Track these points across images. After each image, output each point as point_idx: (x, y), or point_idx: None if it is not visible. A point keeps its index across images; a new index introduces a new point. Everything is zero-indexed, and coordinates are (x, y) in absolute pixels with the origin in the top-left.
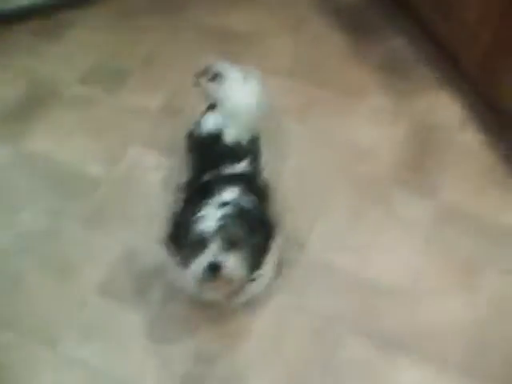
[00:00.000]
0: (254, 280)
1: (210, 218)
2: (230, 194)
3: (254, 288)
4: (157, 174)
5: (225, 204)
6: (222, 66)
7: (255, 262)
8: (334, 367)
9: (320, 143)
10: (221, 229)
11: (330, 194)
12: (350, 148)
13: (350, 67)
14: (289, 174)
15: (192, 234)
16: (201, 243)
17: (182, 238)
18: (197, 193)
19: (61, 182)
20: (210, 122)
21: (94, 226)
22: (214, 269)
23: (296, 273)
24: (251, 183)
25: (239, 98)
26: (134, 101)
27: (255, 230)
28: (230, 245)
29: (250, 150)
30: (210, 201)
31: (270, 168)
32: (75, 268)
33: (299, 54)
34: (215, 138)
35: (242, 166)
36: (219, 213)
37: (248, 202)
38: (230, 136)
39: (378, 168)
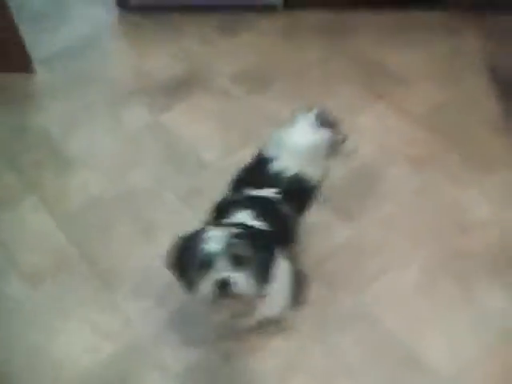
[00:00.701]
0: (263, 297)
1: (216, 238)
2: (242, 215)
3: (267, 310)
4: None
5: (233, 225)
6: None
7: (262, 278)
8: None
9: (424, 197)
10: (226, 248)
11: (411, 249)
12: (454, 214)
13: (492, 137)
14: (379, 216)
15: (198, 255)
16: (207, 263)
17: (188, 260)
18: (215, 213)
19: (176, 155)
20: (270, 150)
21: (188, 202)
22: (221, 286)
23: (332, 312)
24: (270, 208)
25: (298, 137)
26: (270, 108)
27: (260, 248)
28: (236, 262)
29: (293, 183)
30: (220, 222)
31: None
32: (157, 232)
33: (443, 107)
34: (264, 164)
35: (268, 191)
36: (225, 233)
37: (258, 224)
38: (276, 166)
39: (476, 246)
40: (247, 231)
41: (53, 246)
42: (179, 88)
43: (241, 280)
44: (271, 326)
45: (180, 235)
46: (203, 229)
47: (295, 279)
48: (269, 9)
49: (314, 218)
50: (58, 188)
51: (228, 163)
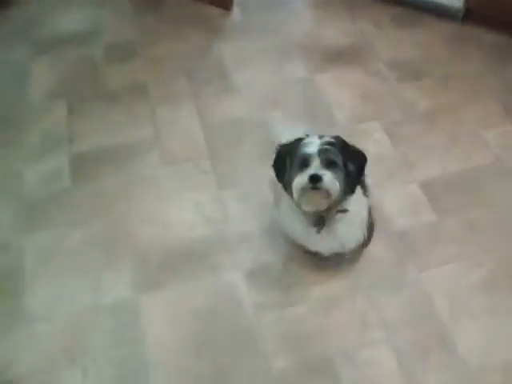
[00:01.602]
0: (345, 211)
1: (313, 144)
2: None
3: (346, 226)
4: None
5: (327, 139)
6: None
7: (348, 185)
8: None
9: None
10: (321, 151)
11: (487, 252)
12: None
13: None
14: (468, 215)
15: (298, 155)
16: (305, 162)
17: (288, 161)
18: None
19: (314, 108)
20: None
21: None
22: (315, 179)
23: (390, 272)
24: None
25: None
26: (408, 97)
27: (350, 159)
28: (329, 164)
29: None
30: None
31: None
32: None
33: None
34: None
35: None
36: (321, 141)
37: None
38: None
39: None
40: (339, 142)
41: (192, 141)
42: (339, 58)
43: (329, 177)
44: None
45: (282, 142)
46: (302, 138)
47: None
48: (448, 15)
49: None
50: (213, 102)
51: (353, 128)
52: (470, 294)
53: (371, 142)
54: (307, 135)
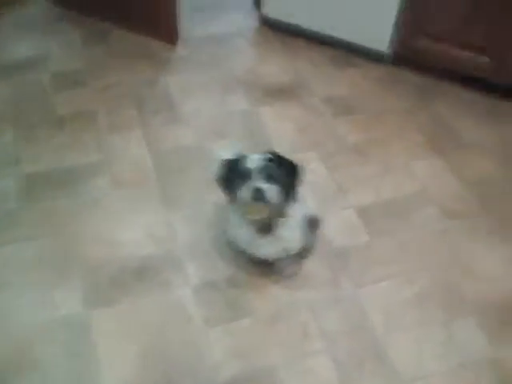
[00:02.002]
0: (284, 216)
1: (254, 160)
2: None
3: (288, 230)
4: None
5: (267, 153)
6: None
7: (287, 195)
8: None
9: (444, 240)
10: (262, 167)
11: (418, 270)
12: (466, 261)
13: None
14: (400, 237)
15: (241, 170)
16: (247, 175)
17: (232, 175)
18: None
19: (253, 139)
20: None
21: None
22: (258, 191)
23: (326, 287)
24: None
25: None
26: (342, 130)
27: (286, 171)
28: (269, 177)
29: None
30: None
31: None
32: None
33: (494, 180)
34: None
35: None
36: (261, 157)
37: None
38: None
39: (473, 294)
40: (276, 157)
41: (141, 167)
42: (279, 93)
43: (271, 190)
44: (283, 263)
45: (225, 159)
46: (243, 155)
47: (309, 222)
48: (378, 57)
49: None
50: (160, 131)
51: (291, 158)
52: (403, 308)
53: (308, 171)
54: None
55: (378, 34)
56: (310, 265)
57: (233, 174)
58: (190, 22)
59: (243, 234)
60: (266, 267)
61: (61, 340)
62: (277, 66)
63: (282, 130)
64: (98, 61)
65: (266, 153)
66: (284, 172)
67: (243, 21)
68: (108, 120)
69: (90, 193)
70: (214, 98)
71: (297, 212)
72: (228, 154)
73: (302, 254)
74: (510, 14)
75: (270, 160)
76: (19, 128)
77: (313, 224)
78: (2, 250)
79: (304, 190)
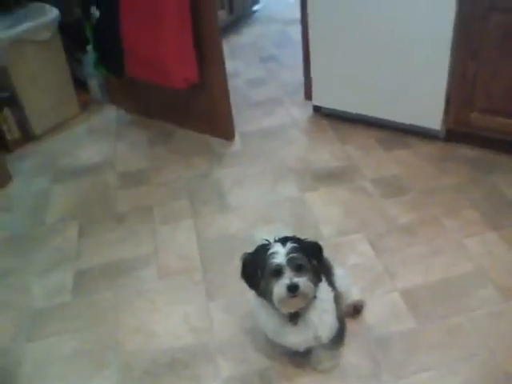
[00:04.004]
0: (315, 298)
1: (279, 254)
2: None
3: (317, 315)
4: None
5: (287, 240)
6: None
7: (316, 279)
8: None
9: (500, 322)
10: (290, 260)
11: (460, 361)
12: None
13: None
14: (447, 322)
15: (268, 266)
16: (277, 272)
17: (258, 271)
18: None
19: (301, 224)
20: None
21: None
22: (292, 288)
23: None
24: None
25: None
26: (392, 211)
27: (310, 255)
28: (298, 269)
29: None
30: (275, 240)
31: None
32: None
33: None
34: None
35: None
36: (286, 250)
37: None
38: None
39: None
40: (299, 242)
41: (187, 256)
42: (328, 178)
43: (303, 282)
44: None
45: (247, 252)
46: (265, 245)
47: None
48: (431, 136)
49: None
50: (209, 220)
51: (337, 242)
52: None
53: (355, 254)
54: (267, 241)
55: (429, 112)
56: (349, 355)
57: (259, 269)
58: (247, 118)
59: (270, 323)
60: (302, 359)
61: None
62: (326, 153)
63: (329, 214)
64: (159, 159)
65: (285, 239)
66: (309, 256)
67: (296, 112)
68: (162, 212)
69: (137, 284)
70: (264, 188)
71: (325, 294)
72: (269, 238)
73: (337, 342)
74: None
75: (296, 250)
76: (83, 225)
77: (356, 310)
78: (45, 342)
79: (349, 273)
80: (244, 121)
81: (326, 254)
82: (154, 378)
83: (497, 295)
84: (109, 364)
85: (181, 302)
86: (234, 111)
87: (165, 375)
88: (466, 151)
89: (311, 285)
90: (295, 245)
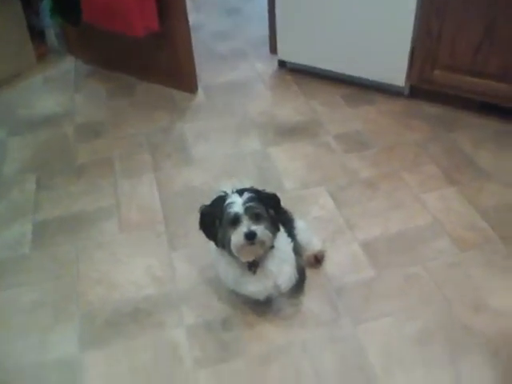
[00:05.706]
0: (273, 247)
1: (237, 203)
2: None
3: (276, 264)
4: None
5: (244, 191)
6: None
7: (274, 229)
8: None
9: (453, 271)
10: (247, 209)
11: (421, 306)
12: (473, 293)
13: None
14: (405, 271)
15: (226, 215)
16: (234, 221)
17: (216, 222)
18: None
19: (264, 177)
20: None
21: None
22: (251, 236)
23: (325, 324)
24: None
25: None
26: (353, 165)
27: (268, 205)
28: (256, 218)
29: None
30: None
31: None
32: None
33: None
34: None
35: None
36: (243, 199)
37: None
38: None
39: (481, 327)
40: (256, 193)
41: (149, 208)
42: (292, 132)
43: (261, 230)
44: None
45: (204, 204)
46: (222, 196)
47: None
48: (395, 92)
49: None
50: (172, 174)
51: (299, 194)
52: (404, 347)
53: (317, 206)
54: (225, 192)
55: (394, 69)
56: (310, 303)
57: (217, 219)
58: (211, 71)
59: (230, 272)
60: (263, 308)
61: (51, 381)
62: (292, 107)
63: (292, 168)
64: (119, 112)
65: (242, 190)
66: (266, 206)
67: (261, 67)
68: (123, 166)
69: (98, 237)
70: (228, 141)
71: (284, 245)
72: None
73: (297, 291)
74: None
75: (253, 199)
76: (41, 177)
77: (317, 260)
78: (4, 293)
79: (310, 225)
80: (208, 74)
81: (288, 206)
82: (116, 327)
83: (452, 247)
84: (71, 315)
85: (143, 254)
86: (198, 64)
87: (128, 324)
88: (429, 108)
89: (269, 233)
90: (252, 194)
